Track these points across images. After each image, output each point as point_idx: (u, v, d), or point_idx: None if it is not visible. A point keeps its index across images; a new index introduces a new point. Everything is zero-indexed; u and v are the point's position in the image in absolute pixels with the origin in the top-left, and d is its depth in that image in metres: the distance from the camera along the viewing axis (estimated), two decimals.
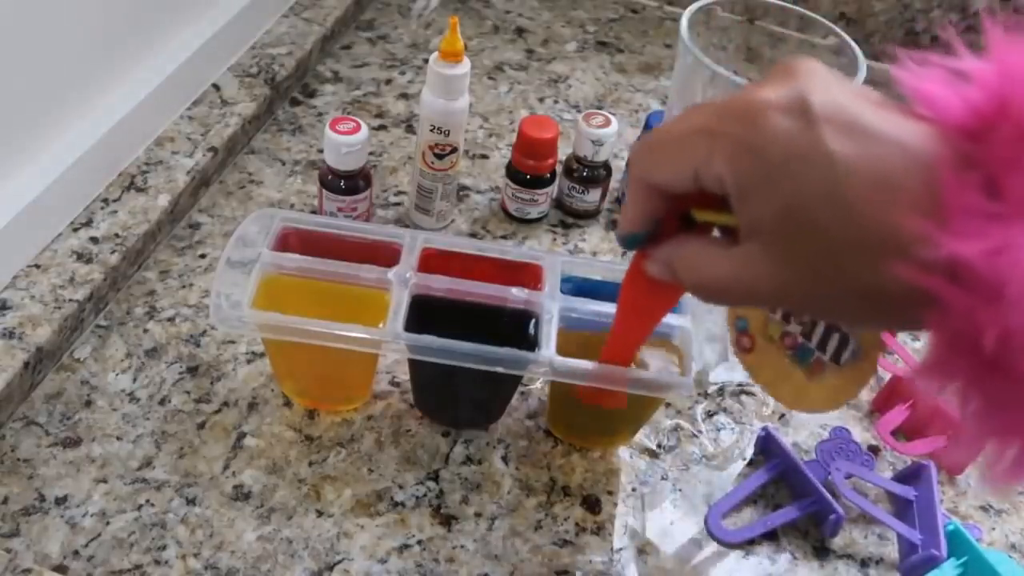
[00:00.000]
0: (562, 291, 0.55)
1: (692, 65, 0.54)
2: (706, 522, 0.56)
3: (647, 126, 0.73)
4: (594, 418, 0.58)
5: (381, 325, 0.52)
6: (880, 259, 0.29)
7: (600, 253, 0.74)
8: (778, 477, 0.59)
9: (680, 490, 0.58)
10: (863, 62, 0.52)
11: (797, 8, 0.58)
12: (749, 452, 0.60)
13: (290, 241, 0.56)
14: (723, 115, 0.32)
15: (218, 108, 0.76)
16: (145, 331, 0.62)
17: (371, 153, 0.78)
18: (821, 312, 0.35)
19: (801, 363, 0.42)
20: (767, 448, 0.60)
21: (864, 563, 0.56)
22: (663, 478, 0.59)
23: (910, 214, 0.28)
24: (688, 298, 0.49)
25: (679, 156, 0.33)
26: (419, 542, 0.53)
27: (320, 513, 0.54)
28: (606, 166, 0.74)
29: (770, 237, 0.31)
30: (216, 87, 0.78)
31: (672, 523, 0.56)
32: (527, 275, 0.56)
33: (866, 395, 0.65)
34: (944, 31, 0.32)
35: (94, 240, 0.63)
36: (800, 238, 0.30)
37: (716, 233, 0.38)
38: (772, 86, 0.31)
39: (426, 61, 0.76)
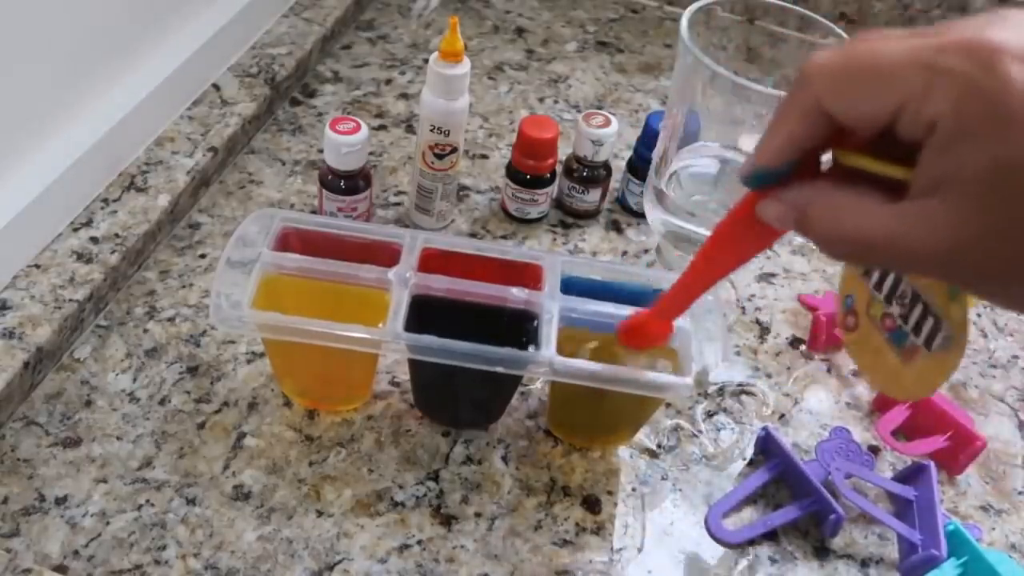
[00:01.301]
0: (562, 292, 0.55)
1: (692, 65, 0.55)
2: (706, 522, 0.56)
3: (647, 126, 0.73)
4: (594, 418, 0.58)
5: (381, 325, 0.52)
6: None
7: (600, 253, 0.74)
8: (778, 477, 0.59)
9: (680, 490, 0.58)
10: None
11: (797, 8, 0.58)
12: (749, 452, 0.60)
13: (290, 241, 0.56)
14: (948, 49, 0.28)
15: (218, 108, 0.76)
16: (145, 331, 0.62)
17: (371, 153, 0.78)
18: (997, 279, 0.31)
19: (897, 347, 0.40)
20: (767, 448, 0.60)
21: (864, 563, 0.56)
22: (663, 478, 0.59)
23: None
24: None
25: (887, 86, 0.29)
26: (419, 542, 0.53)
27: (320, 513, 0.54)
28: (606, 166, 0.74)
29: (971, 189, 0.29)
30: (216, 87, 0.78)
31: (672, 523, 0.56)
32: (527, 275, 0.56)
33: (866, 395, 0.65)
34: None
35: (94, 240, 0.63)
36: (1015, 195, 0.28)
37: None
38: (996, 28, 0.28)
39: (426, 61, 0.76)
